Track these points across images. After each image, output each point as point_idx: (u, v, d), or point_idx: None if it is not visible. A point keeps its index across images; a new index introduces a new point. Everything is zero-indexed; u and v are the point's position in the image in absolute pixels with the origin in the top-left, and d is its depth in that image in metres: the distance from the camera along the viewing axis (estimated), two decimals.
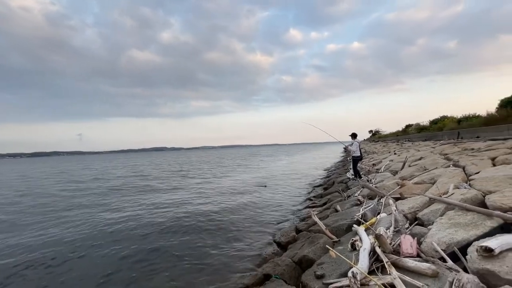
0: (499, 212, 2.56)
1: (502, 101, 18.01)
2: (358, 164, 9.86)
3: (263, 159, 40.34)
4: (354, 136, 9.26)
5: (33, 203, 10.67)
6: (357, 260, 2.58)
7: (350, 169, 10.25)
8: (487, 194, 3.19)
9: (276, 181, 14.35)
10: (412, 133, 33.51)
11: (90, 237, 6.06)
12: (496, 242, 1.89)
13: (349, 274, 2.26)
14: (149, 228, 6.50)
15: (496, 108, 18.10)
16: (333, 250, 2.46)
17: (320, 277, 2.80)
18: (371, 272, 2.41)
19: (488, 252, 1.86)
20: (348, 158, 14.65)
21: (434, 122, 29.60)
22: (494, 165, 5.00)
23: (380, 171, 9.27)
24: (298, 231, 5.38)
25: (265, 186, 11.35)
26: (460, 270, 2.01)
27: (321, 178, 14.93)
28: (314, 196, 9.65)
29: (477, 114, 21.35)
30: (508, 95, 17.83)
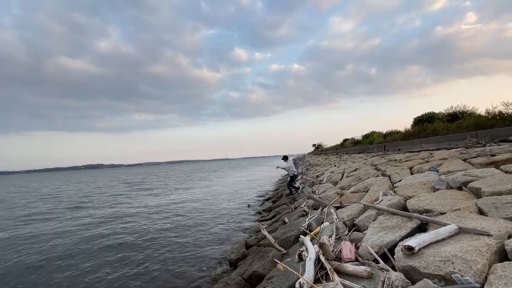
0: (417, 214, 2.99)
1: (415, 119, 21.61)
2: (298, 179, 10.63)
3: (210, 175, 39.48)
4: (285, 158, 10.19)
5: None
6: (304, 270, 2.65)
7: (297, 181, 10.79)
8: (408, 199, 3.71)
9: (225, 197, 14.14)
10: (349, 146, 36.87)
11: None
12: (415, 241, 2.17)
13: (296, 285, 2.31)
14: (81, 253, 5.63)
15: (411, 125, 21.59)
16: (281, 263, 2.49)
17: None
18: (316, 280, 2.50)
19: (410, 251, 2.13)
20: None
21: (365, 137, 33.29)
22: (412, 173, 5.85)
23: (323, 182, 9.96)
24: (248, 246, 5.32)
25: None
26: (390, 269, 2.25)
27: (270, 191, 15.29)
28: (263, 210, 9.78)
29: (397, 130, 25.01)
30: (419, 114, 21.54)
